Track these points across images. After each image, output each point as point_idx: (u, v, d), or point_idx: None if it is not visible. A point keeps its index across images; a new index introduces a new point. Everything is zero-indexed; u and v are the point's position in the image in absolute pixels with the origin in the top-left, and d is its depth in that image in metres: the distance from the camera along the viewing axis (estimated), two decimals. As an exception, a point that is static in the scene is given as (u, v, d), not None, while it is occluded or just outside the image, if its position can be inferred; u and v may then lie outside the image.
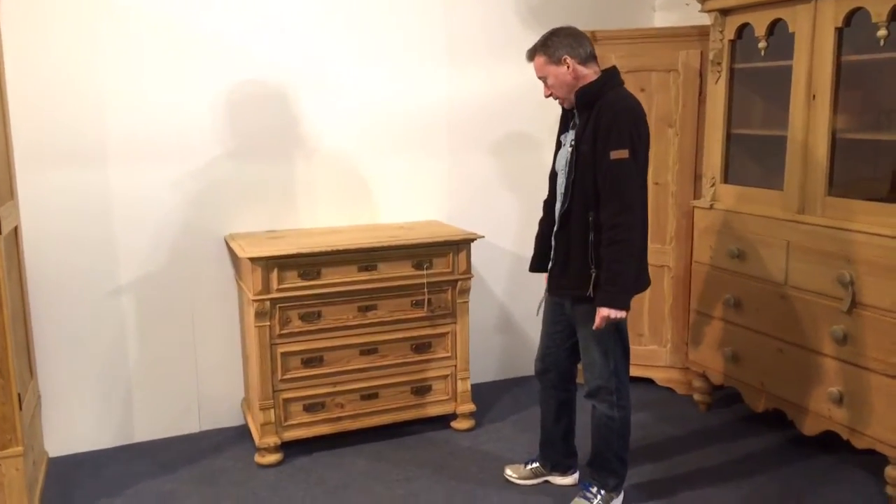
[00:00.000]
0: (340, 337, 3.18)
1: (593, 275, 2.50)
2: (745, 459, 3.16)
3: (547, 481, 2.96)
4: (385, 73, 3.56)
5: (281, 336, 3.07)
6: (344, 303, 3.16)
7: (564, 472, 2.95)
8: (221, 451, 3.28)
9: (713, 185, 3.43)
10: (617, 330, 2.61)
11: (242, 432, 3.45)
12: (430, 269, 3.26)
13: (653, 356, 3.91)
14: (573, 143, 2.52)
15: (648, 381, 3.91)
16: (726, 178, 3.43)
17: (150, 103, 3.17)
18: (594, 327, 2.50)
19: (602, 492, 2.73)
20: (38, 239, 3.07)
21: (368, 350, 3.23)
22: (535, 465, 2.96)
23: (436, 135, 3.69)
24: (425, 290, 3.27)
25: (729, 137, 3.39)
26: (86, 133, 3.09)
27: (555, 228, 2.61)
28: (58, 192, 3.08)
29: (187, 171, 3.28)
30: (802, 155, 3.01)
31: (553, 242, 2.59)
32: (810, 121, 2.97)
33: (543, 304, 2.82)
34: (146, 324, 3.31)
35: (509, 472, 2.99)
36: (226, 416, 3.51)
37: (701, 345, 3.55)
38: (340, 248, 3.05)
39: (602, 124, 2.42)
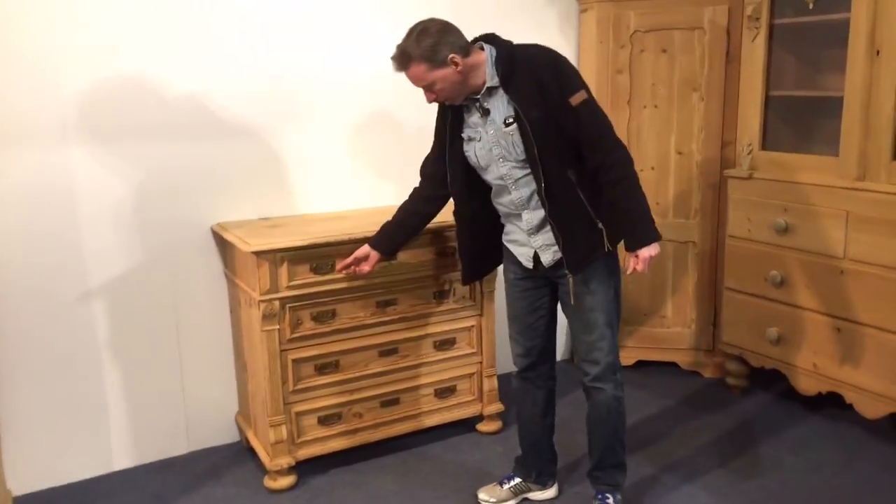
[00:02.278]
0: (357, 338, 2.77)
1: (603, 229, 2.24)
2: (803, 448, 2.92)
3: (525, 500, 2.62)
4: (390, 31, 3.12)
5: (291, 341, 2.64)
6: (360, 298, 2.74)
7: (546, 482, 2.62)
8: (220, 476, 2.82)
9: (750, 152, 3.16)
10: (616, 294, 2.35)
11: (238, 451, 3.00)
12: (456, 255, 2.87)
13: (676, 338, 3.65)
14: (508, 120, 2.19)
15: (671, 366, 3.66)
16: (764, 145, 3.16)
17: (118, 71, 2.65)
18: (640, 271, 2.23)
19: (619, 495, 2.46)
20: (-12, 237, 2.54)
21: (388, 351, 2.83)
22: (516, 481, 2.61)
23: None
24: (449, 279, 2.89)
25: (767, 101, 3.12)
26: (41, 107, 2.56)
27: (545, 211, 2.25)
28: (6, 179, 2.54)
29: (164, 151, 2.78)
30: (863, 117, 2.75)
31: (551, 224, 2.24)
32: (873, 79, 2.71)
33: (511, 300, 2.49)
34: (122, 333, 2.81)
35: (484, 497, 2.60)
36: (217, 433, 3.05)
37: (737, 325, 3.30)
38: (360, 235, 2.62)
39: (543, 79, 2.15)
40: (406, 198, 2.59)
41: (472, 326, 2.98)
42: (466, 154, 2.34)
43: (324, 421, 2.75)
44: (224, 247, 2.89)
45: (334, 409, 2.76)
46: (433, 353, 2.93)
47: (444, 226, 2.80)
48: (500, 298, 3.12)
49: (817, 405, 3.21)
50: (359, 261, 2.58)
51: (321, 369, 2.72)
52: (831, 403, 3.17)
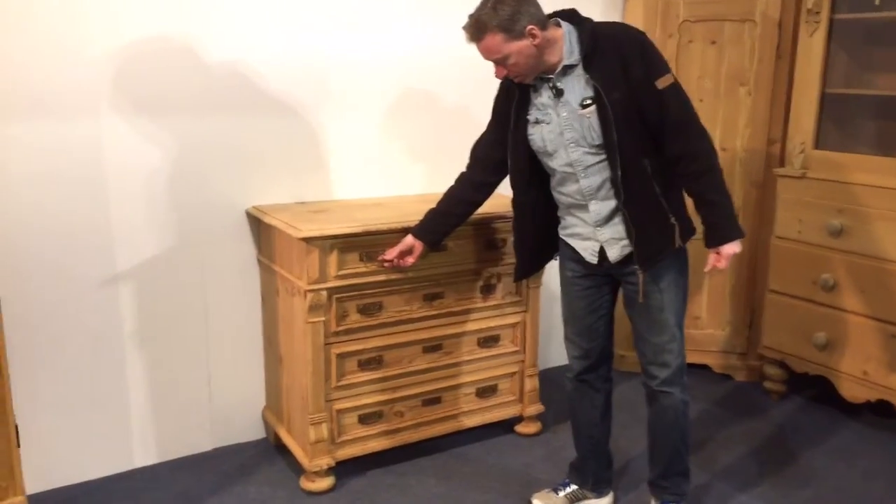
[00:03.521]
0: (403, 332, 2.61)
1: (675, 224, 2.12)
2: (853, 457, 2.84)
3: None
4: (431, 13, 2.96)
5: (336, 334, 2.48)
6: (408, 291, 2.59)
7: (602, 490, 2.50)
8: (251, 475, 2.65)
9: (802, 151, 3.06)
10: (685, 294, 2.24)
11: (266, 449, 2.83)
12: (504, 247, 2.74)
13: (709, 341, 3.55)
14: (586, 101, 2.05)
15: (703, 368, 3.56)
16: (817, 144, 3.06)
17: (150, 35, 2.46)
18: (721, 268, 2.12)
19: None
20: (5, 215, 2.32)
21: (432, 347, 2.69)
22: (572, 488, 2.48)
23: (491, 88, 3.12)
24: (497, 272, 2.75)
25: (822, 98, 3.02)
26: (68, 75, 2.35)
27: (617, 201, 2.12)
28: (31, 153, 2.34)
29: (198, 124, 2.59)
30: (930, 118, 2.67)
31: (624, 215, 2.10)
32: (944, 79, 2.63)
33: (569, 300, 2.35)
34: (148, 320, 2.62)
35: None
36: (244, 429, 2.88)
37: (779, 329, 3.21)
38: (411, 224, 2.46)
39: (628, 60, 2.02)
40: (451, 183, 2.44)
41: (517, 323, 2.85)
42: (531, 137, 2.19)
43: (364, 420, 2.60)
44: (260, 231, 2.71)
45: (376, 408, 2.61)
46: (477, 351, 2.78)
47: (493, 216, 2.66)
48: (544, 295, 3.01)
49: (856, 411, 3.14)
50: (403, 254, 2.42)
51: (364, 365, 2.56)
52: (871, 410, 3.10)
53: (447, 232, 2.46)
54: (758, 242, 3.38)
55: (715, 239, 2.10)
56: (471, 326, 2.75)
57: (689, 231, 2.19)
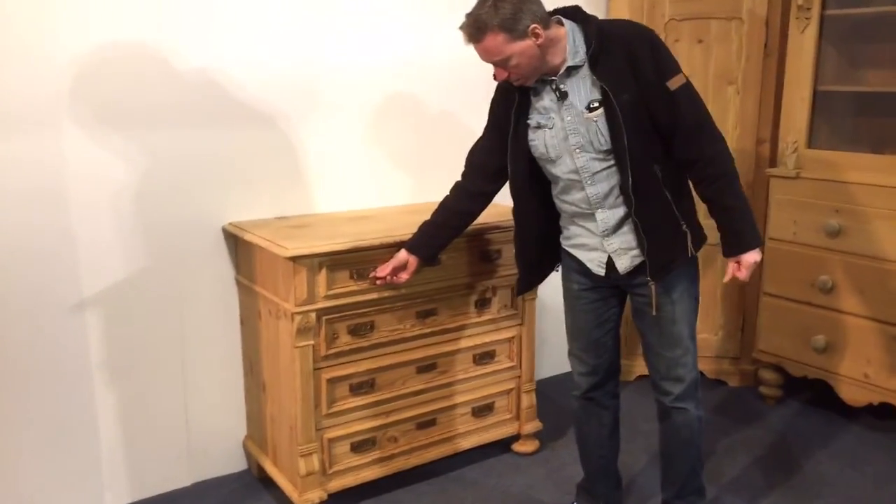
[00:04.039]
0: (395, 353, 2.46)
1: (687, 232, 2.02)
2: (859, 462, 2.77)
3: None
4: (416, 18, 2.82)
5: (326, 358, 2.31)
6: (401, 308, 2.43)
7: None
8: (235, 512, 2.47)
9: (795, 150, 2.99)
10: (697, 304, 2.14)
11: (249, 482, 2.65)
12: (499, 259, 2.60)
13: (702, 345, 3.44)
14: (593, 104, 1.93)
15: (696, 374, 3.47)
16: (810, 143, 3.00)
17: (119, 41, 2.26)
18: (742, 279, 2.03)
19: None
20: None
21: (427, 366, 2.54)
22: None
23: (478, 93, 2.98)
24: (491, 285, 2.61)
25: (814, 96, 2.96)
26: (30, 82, 2.15)
27: (627, 210, 2.00)
28: (-11, 171, 2.13)
29: (169, 137, 2.40)
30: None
31: (636, 224, 1.99)
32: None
33: (575, 314, 2.22)
34: (118, 349, 2.42)
35: None
36: (224, 461, 2.69)
37: (775, 333, 3.13)
38: (407, 237, 2.31)
39: (637, 59, 1.89)
40: (446, 193, 2.30)
41: (513, 338, 2.71)
42: (532, 143, 2.06)
43: (357, 448, 2.43)
44: (239, 250, 2.53)
45: (368, 434, 2.45)
46: (472, 368, 2.64)
47: (487, 226, 2.52)
48: (540, 307, 2.88)
49: (854, 414, 3.08)
50: (396, 270, 2.27)
51: (356, 389, 2.40)
52: (869, 412, 3.04)
53: (443, 245, 2.32)
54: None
55: (735, 247, 2.00)
56: (465, 343, 2.60)
57: (700, 238, 2.09)
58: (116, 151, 2.31)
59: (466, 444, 2.68)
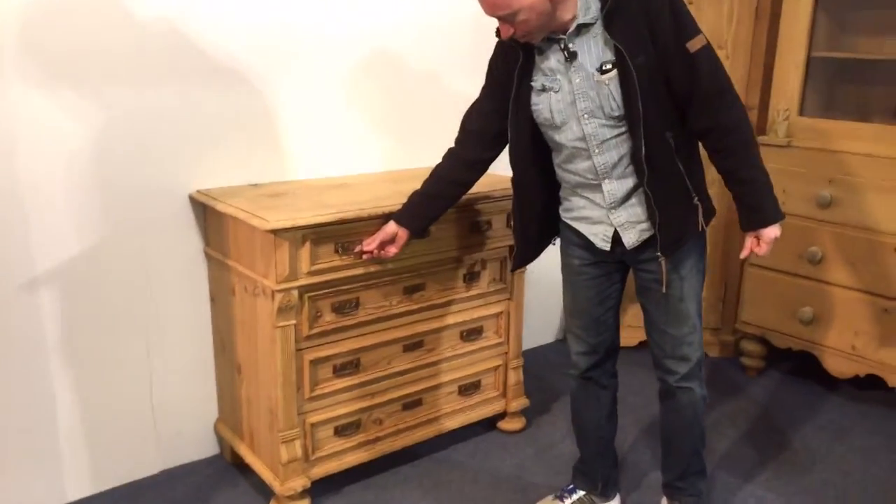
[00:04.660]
0: (381, 331, 2.31)
1: (699, 205, 1.90)
2: (846, 435, 2.75)
3: None
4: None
5: (309, 338, 2.15)
6: (388, 284, 2.28)
7: (610, 493, 2.29)
8: (208, 501, 2.31)
9: (787, 118, 2.91)
10: (703, 280, 2.04)
11: (222, 468, 2.49)
12: (490, 230, 2.46)
13: (684, 317, 3.40)
14: (606, 66, 1.79)
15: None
16: (802, 111, 2.91)
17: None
18: (762, 254, 1.92)
19: None
20: None
21: (413, 345, 2.39)
22: (579, 494, 2.27)
23: (461, 55, 2.80)
24: (480, 258, 2.47)
25: (808, 62, 2.87)
26: (-30, 33, 1.90)
27: (637, 180, 1.88)
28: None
29: (129, 93, 2.17)
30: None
31: (647, 195, 1.86)
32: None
33: (575, 291, 2.11)
34: (77, 330, 2.21)
35: None
36: (194, 446, 2.51)
37: (760, 304, 3.08)
38: (394, 209, 2.14)
39: (655, 18, 1.75)
40: (438, 161, 2.14)
41: (501, 312, 2.59)
42: (535, 108, 1.90)
43: (341, 431, 2.29)
44: (208, 220, 2.33)
45: (353, 417, 2.30)
46: (459, 345, 2.51)
47: (477, 196, 2.36)
48: (529, 279, 2.76)
49: (835, 385, 3.06)
50: (384, 243, 2.11)
51: (340, 370, 2.24)
52: (850, 383, 3.03)
53: (435, 217, 2.16)
54: (732, 214, 3.22)
55: (754, 221, 1.89)
56: (453, 319, 2.47)
57: (711, 211, 1.97)
58: (69, 111, 2.07)
59: (453, 423, 2.56)
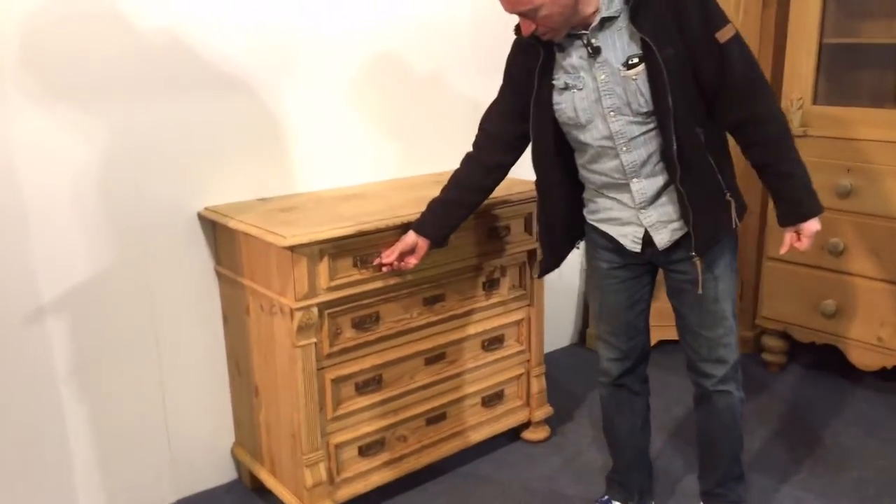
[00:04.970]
0: (402, 345, 2.23)
1: (731, 201, 1.83)
2: (878, 429, 2.68)
3: None
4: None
5: (329, 356, 2.06)
6: (407, 296, 2.20)
7: (646, 502, 2.23)
8: (231, 531, 2.22)
9: (801, 107, 2.85)
10: (736, 278, 1.96)
11: (241, 493, 2.40)
12: (508, 236, 2.38)
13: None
14: (632, 60, 1.72)
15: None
16: (816, 99, 2.85)
17: (73, 5, 1.93)
18: (803, 249, 1.84)
19: None
20: None
21: (435, 357, 2.32)
22: None
23: (470, 55, 2.72)
24: (499, 265, 2.40)
25: (820, 49, 2.81)
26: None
27: (668, 178, 1.81)
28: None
29: (132, 109, 2.08)
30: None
31: (680, 194, 1.79)
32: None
33: (604, 295, 2.03)
34: (87, 357, 2.12)
35: None
36: (211, 472, 2.42)
37: (781, 298, 3.02)
38: (413, 219, 2.06)
39: (682, 8, 1.68)
40: (456, 166, 2.06)
41: (522, 320, 2.51)
42: (558, 107, 1.83)
43: (365, 451, 2.20)
44: (219, 237, 2.24)
45: (377, 435, 2.22)
46: (481, 355, 2.44)
47: (496, 201, 2.29)
48: (548, 285, 2.68)
49: (859, 378, 3.00)
50: (403, 254, 2.03)
51: (362, 388, 2.16)
52: (877, 376, 2.97)
53: (455, 225, 2.08)
54: (749, 207, 3.16)
55: (794, 216, 1.82)
56: (474, 329, 2.39)
57: (743, 207, 1.91)
58: (71, 129, 1.98)
59: (478, 436, 2.48)
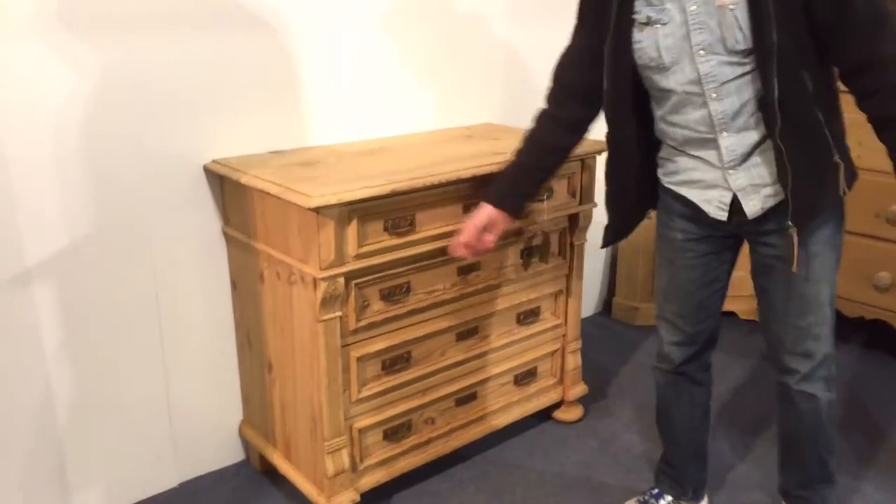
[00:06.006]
0: (433, 319, 1.99)
1: (840, 164, 1.57)
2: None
3: None
4: None
5: (355, 332, 1.83)
6: (441, 265, 1.96)
7: (699, 495, 2.02)
8: (241, 520, 2.01)
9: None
10: (839, 257, 1.71)
11: (250, 476, 2.19)
12: (550, 200, 2.14)
13: (737, 285, 3.09)
14: None
15: (728, 315, 3.14)
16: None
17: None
18: None
19: None
20: None
21: (467, 332, 2.09)
22: (667, 499, 1.99)
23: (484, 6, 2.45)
24: (539, 230, 2.16)
25: None
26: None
27: (765, 132, 1.56)
28: None
29: (130, 54, 1.80)
30: None
31: (779, 150, 1.51)
32: None
33: (676, 269, 1.80)
34: (79, 327, 1.88)
35: None
36: (217, 453, 2.21)
37: (829, 270, 2.80)
38: (453, 178, 1.82)
39: None
40: (531, 124, 1.77)
41: (560, 291, 2.29)
42: (638, 46, 1.56)
43: (391, 435, 1.99)
44: (228, 195, 1.99)
45: (404, 418, 2.00)
46: (516, 330, 2.21)
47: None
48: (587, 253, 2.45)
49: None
50: (480, 232, 1.78)
51: (389, 367, 1.93)
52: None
53: (534, 193, 1.84)
54: (795, 171, 2.93)
55: None
56: (509, 301, 2.16)
57: (853, 173, 1.65)
58: (63, 64, 1.71)
59: (509, 417, 2.27)
